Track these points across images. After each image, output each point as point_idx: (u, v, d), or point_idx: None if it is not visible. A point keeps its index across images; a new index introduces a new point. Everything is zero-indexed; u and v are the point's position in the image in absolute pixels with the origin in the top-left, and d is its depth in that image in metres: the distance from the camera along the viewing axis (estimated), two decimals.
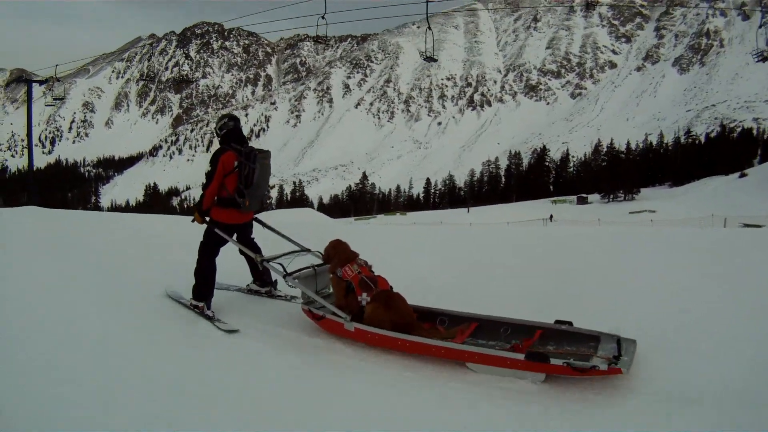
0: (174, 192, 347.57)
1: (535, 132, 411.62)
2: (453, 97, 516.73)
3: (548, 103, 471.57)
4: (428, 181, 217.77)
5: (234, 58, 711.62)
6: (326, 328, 6.69)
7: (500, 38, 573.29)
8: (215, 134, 7.72)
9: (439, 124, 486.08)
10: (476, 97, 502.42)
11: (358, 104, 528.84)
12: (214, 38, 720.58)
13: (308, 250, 7.85)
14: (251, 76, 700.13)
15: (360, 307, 6.49)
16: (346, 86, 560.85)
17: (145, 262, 10.28)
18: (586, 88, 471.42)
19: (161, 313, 7.41)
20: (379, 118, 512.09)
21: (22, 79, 42.00)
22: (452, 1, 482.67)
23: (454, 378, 5.51)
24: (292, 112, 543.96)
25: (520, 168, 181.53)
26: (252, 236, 8.11)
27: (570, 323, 6.01)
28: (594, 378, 5.12)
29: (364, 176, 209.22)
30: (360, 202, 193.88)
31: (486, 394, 5.11)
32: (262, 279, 8.46)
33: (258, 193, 7.38)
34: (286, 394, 5.27)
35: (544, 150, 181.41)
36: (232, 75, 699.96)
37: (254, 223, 8.28)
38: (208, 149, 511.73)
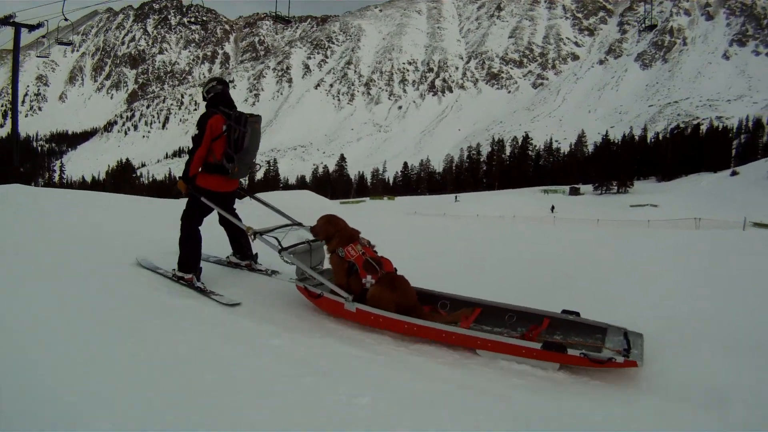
0: (130, 169, 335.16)
1: (496, 120, 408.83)
2: (414, 81, 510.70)
3: (509, 92, 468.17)
4: (405, 165, 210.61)
5: (192, 34, 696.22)
6: (323, 307, 6.29)
7: (463, 25, 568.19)
8: (202, 98, 7.29)
9: (400, 108, 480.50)
10: (437, 82, 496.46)
11: (318, 85, 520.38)
12: (172, 14, 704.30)
13: (300, 225, 7.44)
14: (209, 54, 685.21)
15: (363, 290, 6.07)
16: (306, 67, 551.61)
17: (123, 239, 9.23)
18: (547, 79, 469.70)
19: (144, 285, 6.79)
20: (339, 99, 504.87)
21: (9, 21, 28.79)
22: None
23: (466, 363, 5.22)
24: (251, 91, 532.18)
25: (503, 155, 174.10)
26: (234, 207, 7.69)
27: (577, 313, 5.78)
28: (608, 370, 4.97)
29: (342, 158, 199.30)
30: (337, 184, 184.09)
31: (505, 383, 4.79)
32: (242, 251, 7.93)
33: (247, 159, 7.05)
34: (302, 383, 4.52)
35: (526, 138, 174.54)
36: (190, 52, 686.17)
37: (240, 197, 7.95)
38: (164, 126, 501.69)
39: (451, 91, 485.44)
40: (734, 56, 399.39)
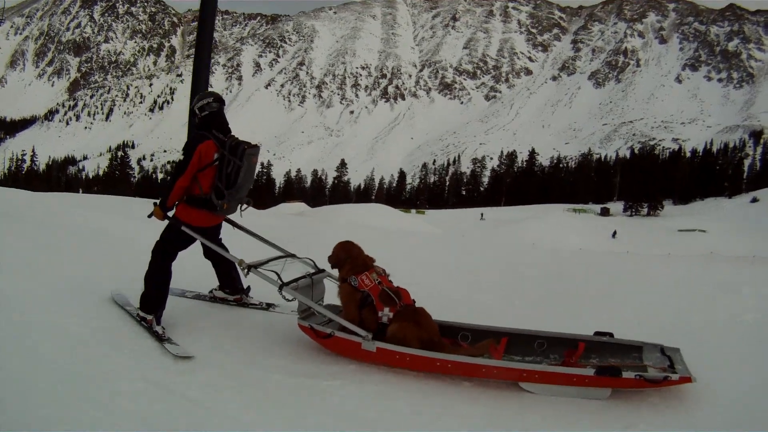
0: (70, 161, 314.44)
1: (449, 130, 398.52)
2: (367, 87, 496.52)
3: (462, 103, 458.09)
4: (402, 173, 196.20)
5: (139, 24, 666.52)
6: (335, 348, 5.55)
7: (417, 33, 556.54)
8: (193, 115, 6.46)
9: (351, 112, 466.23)
10: (390, 89, 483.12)
11: (269, 85, 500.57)
12: (120, 2, 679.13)
13: (294, 256, 6.53)
14: (155, 46, 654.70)
15: (379, 325, 5.49)
16: (257, 65, 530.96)
17: (87, 258, 8.41)
18: (500, 92, 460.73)
19: (103, 324, 5.85)
20: (289, 101, 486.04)
21: None
22: None
23: (501, 397, 4.86)
24: None
25: (511, 169, 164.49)
26: (220, 237, 6.75)
27: (611, 334, 5.56)
28: (657, 391, 4.78)
29: (343, 164, 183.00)
30: (336, 193, 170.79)
31: (540, 413, 4.54)
32: (232, 285, 7.02)
33: (239, 195, 6.11)
34: None
35: (533, 153, 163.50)
36: (135, 42, 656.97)
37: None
38: (107, 118, 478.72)
39: (403, 98, 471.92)
40: (686, 80, 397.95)
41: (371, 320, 5.42)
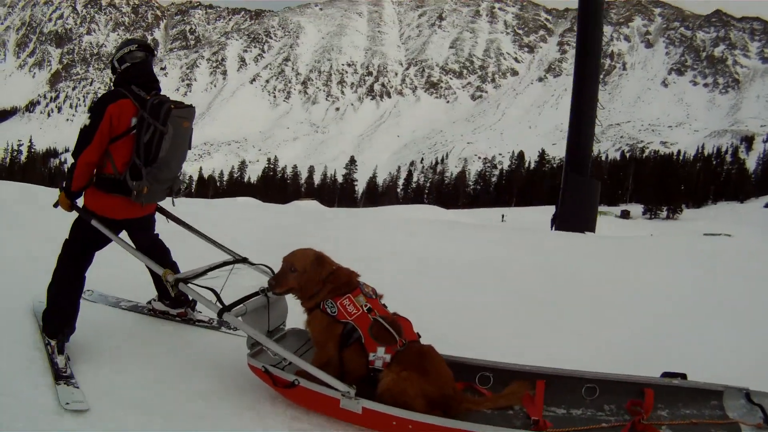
0: (52, 153, 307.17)
1: (435, 129, 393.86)
2: (353, 84, 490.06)
3: (448, 102, 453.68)
4: (410, 172, 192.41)
5: (122, 17, 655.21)
6: (302, 402, 3.86)
7: (403, 31, 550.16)
8: (111, 69, 4.57)
9: (337, 109, 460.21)
10: (376, 86, 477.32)
11: (254, 80, 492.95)
12: None
13: (245, 260, 4.73)
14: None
15: (369, 371, 3.85)
16: (242, 60, 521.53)
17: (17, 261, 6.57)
18: (486, 92, 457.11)
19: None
20: (274, 96, 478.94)
21: None
22: None
23: None
24: (183, 81, 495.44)
25: (521, 169, 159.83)
26: (156, 233, 5.07)
27: (684, 375, 4.08)
28: None
29: (352, 161, 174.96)
30: (343, 191, 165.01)
31: None
32: (174, 297, 5.10)
33: (164, 175, 4.34)
34: None
35: (543, 154, 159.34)
36: (118, 35, 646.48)
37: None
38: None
39: (389, 96, 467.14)
40: (672, 84, 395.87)
41: (357, 365, 3.83)
